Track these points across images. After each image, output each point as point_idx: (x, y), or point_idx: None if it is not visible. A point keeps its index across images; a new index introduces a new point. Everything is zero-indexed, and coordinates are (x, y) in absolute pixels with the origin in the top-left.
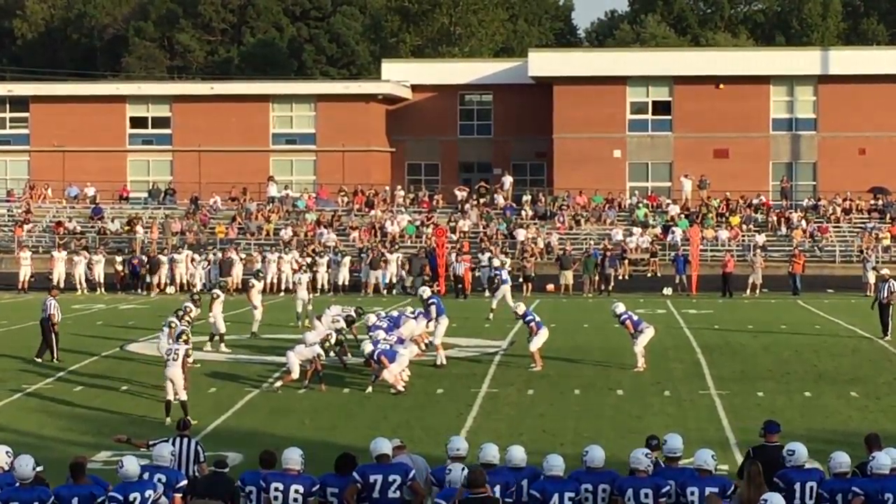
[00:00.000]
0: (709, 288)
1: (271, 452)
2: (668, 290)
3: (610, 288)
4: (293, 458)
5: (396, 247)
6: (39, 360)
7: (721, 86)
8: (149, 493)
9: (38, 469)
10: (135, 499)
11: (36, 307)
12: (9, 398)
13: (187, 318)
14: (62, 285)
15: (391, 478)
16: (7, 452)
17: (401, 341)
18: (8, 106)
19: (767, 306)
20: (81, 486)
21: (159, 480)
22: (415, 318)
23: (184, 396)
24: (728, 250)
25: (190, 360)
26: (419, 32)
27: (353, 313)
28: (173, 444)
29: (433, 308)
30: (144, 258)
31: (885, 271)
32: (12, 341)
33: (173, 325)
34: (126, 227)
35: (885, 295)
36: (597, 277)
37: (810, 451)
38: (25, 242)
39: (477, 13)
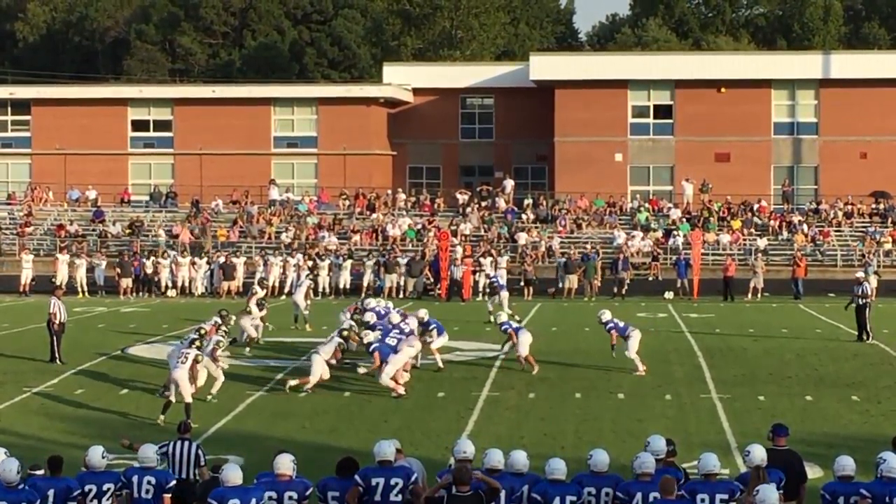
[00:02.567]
0: (710, 292)
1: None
2: (669, 294)
3: (623, 291)
4: (285, 463)
5: (399, 250)
6: (62, 362)
7: (722, 89)
8: (107, 486)
9: (39, 472)
10: (90, 490)
11: (37, 310)
12: (10, 400)
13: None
14: (65, 287)
15: (393, 481)
16: (5, 453)
17: (402, 334)
18: (9, 109)
19: (769, 310)
20: (59, 479)
21: (149, 482)
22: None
23: (188, 399)
24: (729, 254)
25: (198, 365)
26: (420, 36)
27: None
28: (174, 447)
29: (434, 331)
30: (115, 261)
31: (860, 274)
32: (13, 344)
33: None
34: (127, 230)
35: (862, 296)
36: (597, 282)
37: (811, 455)
38: (27, 245)
39: (478, 16)
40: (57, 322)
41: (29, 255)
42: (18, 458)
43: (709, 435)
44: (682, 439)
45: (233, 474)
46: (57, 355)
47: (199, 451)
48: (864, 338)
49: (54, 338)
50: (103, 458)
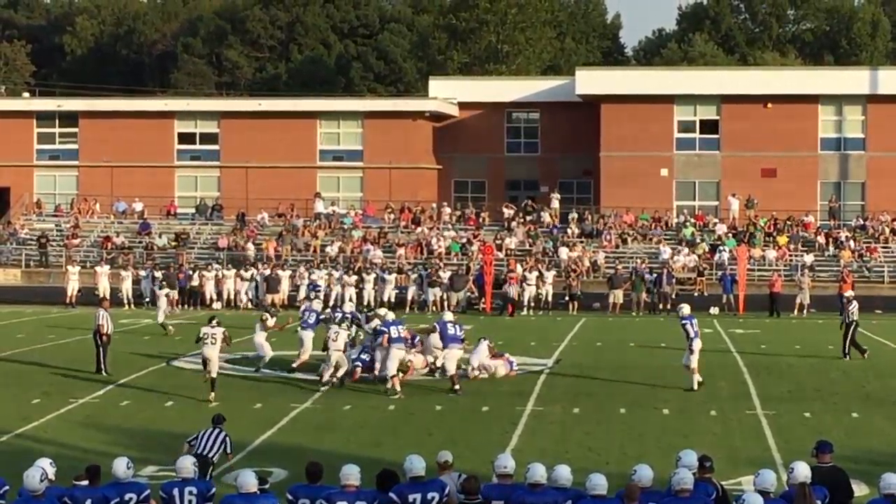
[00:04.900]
0: (756, 308)
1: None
2: (715, 310)
3: (668, 307)
4: (352, 473)
5: (442, 264)
6: (107, 374)
7: (769, 105)
8: (129, 496)
9: (83, 483)
10: (113, 501)
11: (84, 321)
12: (56, 411)
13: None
14: (75, 300)
15: (430, 495)
16: (51, 464)
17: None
18: (57, 121)
19: (815, 326)
20: (95, 489)
21: (190, 493)
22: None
23: (214, 374)
24: (775, 270)
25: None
26: (467, 50)
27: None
28: (204, 432)
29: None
30: (159, 274)
31: (849, 293)
32: (60, 355)
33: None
34: (173, 243)
35: (848, 316)
36: (645, 297)
37: (858, 472)
38: (73, 257)
39: (524, 31)
40: (104, 333)
41: (75, 267)
42: (63, 469)
43: (754, 451)
44: (727, 455)
45: (246, 481)
46: (103, 367)
47: (227, 439)
48: (851, 355)
49: (101, 349)
50: (128, 468)
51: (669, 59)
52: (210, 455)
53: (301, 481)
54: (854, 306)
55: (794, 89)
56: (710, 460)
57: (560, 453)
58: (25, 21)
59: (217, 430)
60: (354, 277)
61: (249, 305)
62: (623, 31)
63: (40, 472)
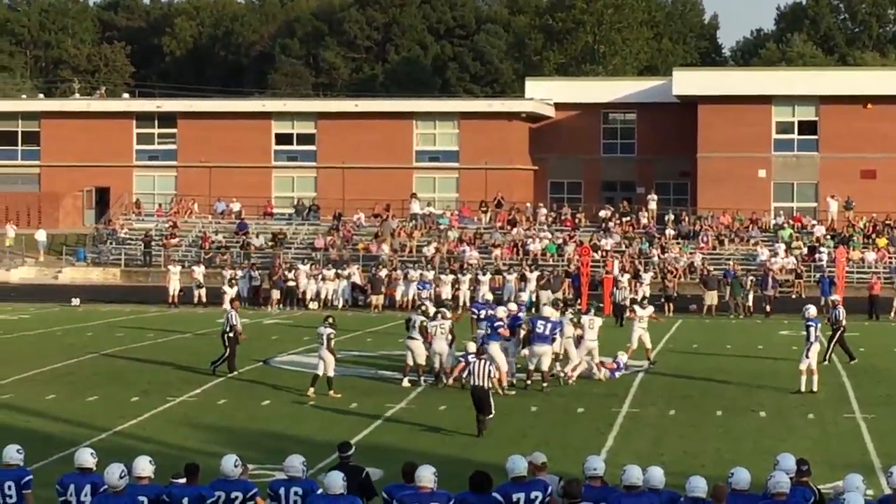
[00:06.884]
0: (855, 310)
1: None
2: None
3: (768, 309)
4: (426, 475)
5: (537, 265)
6: (234, 372)
7: (869, 106)
8: (235, 494)
9: (181, 481)
10: (218, 497)
11: (183, 321)
12: (155, 409)
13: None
14: (177, 300)
15: (533, 495)
16: (150, 461)
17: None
18: (156, 122)
19: None
20: (192, 487)
21: (295, 493)
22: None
23: (330, 373)
24: (875, 272)
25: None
26: (563, 51)
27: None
28: (474, 363)
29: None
30: (256, 274)
31: (835, 297)
32: (158, 354)
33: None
34: (270, 243)
35: (834, 321)
36: (747, 300)
37: None
38: (172, 257)
39: (621, 31)
40: (239, 333)
41: (176, 267)
42: (161, 467)
43: (852, 455)
44: (824, 459)
45: (333, 482)
46: (233, 365)
47: (490, 367)
48: (849, 359)
49: (230, 349)
50: (236, 466)
51: (767, 60)
52: (485, 385)
53: (397, 481)
54: (839, 312)
55: (894, 90)
56: (807, 464)
57: (655, 456)
58: (125, 23)
59: (482, 361)
60: (451, 277)
61: (342, 305)
62: (720, 31)
63: (120, 468)
